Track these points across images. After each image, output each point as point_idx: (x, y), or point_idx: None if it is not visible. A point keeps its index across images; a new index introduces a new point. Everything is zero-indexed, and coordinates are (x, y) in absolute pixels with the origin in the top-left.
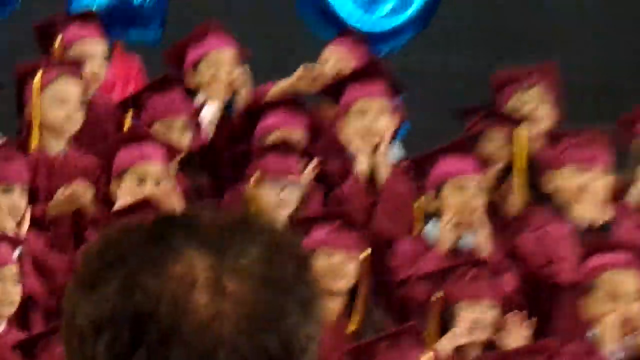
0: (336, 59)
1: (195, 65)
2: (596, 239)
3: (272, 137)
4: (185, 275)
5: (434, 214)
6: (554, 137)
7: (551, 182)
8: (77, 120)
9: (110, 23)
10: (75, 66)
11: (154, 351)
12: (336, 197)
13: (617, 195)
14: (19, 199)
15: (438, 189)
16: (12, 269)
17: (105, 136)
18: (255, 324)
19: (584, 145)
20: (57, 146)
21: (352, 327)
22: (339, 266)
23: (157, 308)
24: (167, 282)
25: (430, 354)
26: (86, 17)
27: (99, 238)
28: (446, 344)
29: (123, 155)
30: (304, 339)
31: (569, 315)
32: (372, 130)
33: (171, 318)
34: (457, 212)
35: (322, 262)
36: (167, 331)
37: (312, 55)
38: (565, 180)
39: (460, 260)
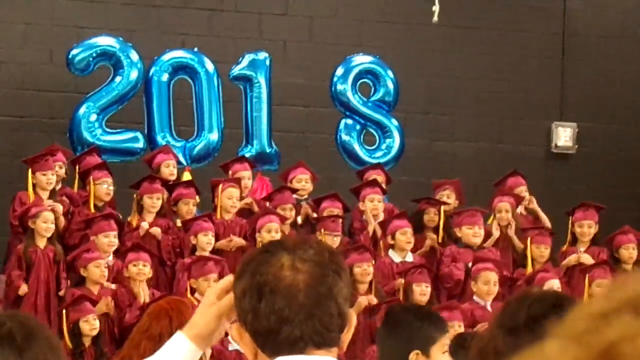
0: (367, 176)
1: (291, 180)
2: None
3: (327, 212)
4: (278, 263)
5: (392, 245)
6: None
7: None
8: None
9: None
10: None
11: (268, 300)
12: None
13: None
14: None
15: (393, 234)
16: None
17: None
18: (313, 281)
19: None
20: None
21: None
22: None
23: (266, 279)
24: (270, 267)
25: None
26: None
27: (247, 255)
28: None
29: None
30: (335, 286)
31: None
32: (377, 208)
33: (274, 283)
34: (401, 243)
35: None
36: (273, 289)
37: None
38: None
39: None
